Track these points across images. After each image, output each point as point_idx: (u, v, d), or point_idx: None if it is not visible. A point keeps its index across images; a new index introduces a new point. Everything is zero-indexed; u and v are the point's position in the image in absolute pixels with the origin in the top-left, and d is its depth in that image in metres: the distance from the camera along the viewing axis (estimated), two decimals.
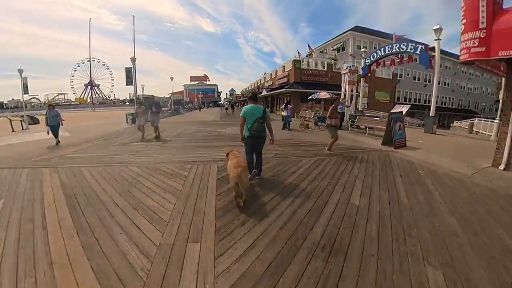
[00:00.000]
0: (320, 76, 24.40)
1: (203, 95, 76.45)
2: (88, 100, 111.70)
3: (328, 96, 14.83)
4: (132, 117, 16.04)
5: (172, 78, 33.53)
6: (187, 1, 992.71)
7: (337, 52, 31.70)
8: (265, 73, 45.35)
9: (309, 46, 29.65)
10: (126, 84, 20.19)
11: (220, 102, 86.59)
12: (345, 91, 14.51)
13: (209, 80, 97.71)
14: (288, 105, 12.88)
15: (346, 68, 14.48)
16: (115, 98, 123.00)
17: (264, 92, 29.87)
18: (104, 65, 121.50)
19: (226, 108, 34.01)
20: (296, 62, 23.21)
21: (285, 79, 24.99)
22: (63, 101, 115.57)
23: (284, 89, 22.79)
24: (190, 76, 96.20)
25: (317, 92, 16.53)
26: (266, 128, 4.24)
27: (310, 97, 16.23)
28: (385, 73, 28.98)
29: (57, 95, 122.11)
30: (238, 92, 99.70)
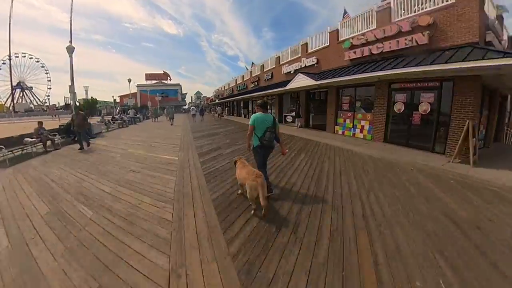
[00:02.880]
0: None
1: (162, 98, 55.46)
2: (9, 106, 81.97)
3: None
4: None
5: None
6: (147, 1, 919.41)
7: None
8: (250, 66, 27.95)
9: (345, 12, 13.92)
10: None
11: (165, 109, 65.40)
12: None
13: (170, 79, 76.03)
14: None
15: None
16: (48, 104, 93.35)
17: (299, 83, 12.42)
18: (38, 61, 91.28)
19: (193, 115, 24.36)
20: None
21: (417, 39, 7.70)
22: None
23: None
24: (146, 74, 73.46)
25: None
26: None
27: None
28: None
29: None
30: (207, 95, 80.00)
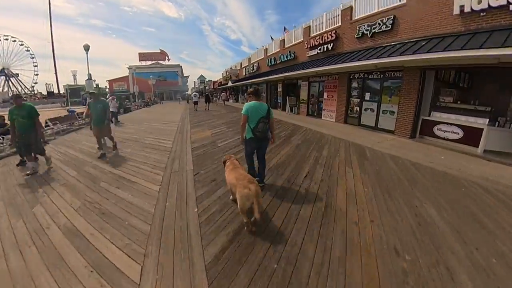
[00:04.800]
0: None
1: (156, 81, 43.78)
2: None
3: None
4: None
5: None
6: None
7: None
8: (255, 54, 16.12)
9: None
10: None
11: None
12: None
13: (169, 60, 63.57)
14: None
15: None
16: (36, 92, 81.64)
17: None
18: (22, 44, 78.42)
19: (195, 102, 21.14)
20: None
21: None
22: None
23: None
24: (139, 54, 60.98)
25: None
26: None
27: None
28: None
29: None
30: (212, 79, 67.58)
